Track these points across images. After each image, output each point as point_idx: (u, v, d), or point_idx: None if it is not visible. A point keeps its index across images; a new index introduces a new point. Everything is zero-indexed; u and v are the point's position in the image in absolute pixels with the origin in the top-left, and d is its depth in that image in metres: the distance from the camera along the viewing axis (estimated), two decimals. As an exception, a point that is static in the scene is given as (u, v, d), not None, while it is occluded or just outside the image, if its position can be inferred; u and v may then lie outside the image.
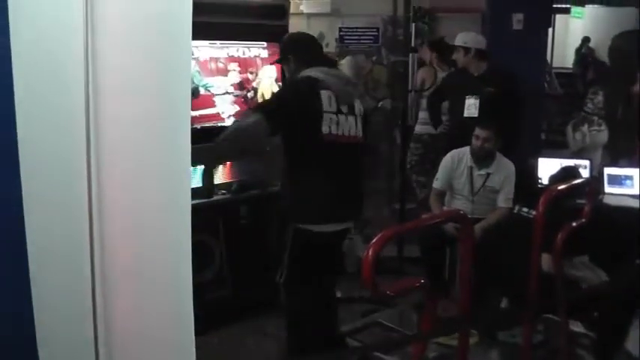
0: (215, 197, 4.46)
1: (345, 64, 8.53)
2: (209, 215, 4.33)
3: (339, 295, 4.81)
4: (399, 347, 3.72)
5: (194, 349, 2.00)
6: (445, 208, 4.70)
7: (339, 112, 3.33)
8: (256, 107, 3.37)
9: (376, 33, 8.22)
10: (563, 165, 4.65)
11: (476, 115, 4.98)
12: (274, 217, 3.69)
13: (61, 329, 1.95)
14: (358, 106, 3.49)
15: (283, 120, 3.21)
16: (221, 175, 4.69)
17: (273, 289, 4.64)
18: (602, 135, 5.72)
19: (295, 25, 5.31)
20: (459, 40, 5.28)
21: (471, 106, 5.01)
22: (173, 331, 2.01)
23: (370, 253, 2.20)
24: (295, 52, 3.54)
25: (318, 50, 3.67)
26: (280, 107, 3.30)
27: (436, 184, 4.76)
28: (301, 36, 3.90)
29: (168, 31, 1.84)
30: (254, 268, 4.61)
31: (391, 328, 4.22)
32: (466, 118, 5.01)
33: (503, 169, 4.61)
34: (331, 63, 3.66)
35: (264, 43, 4.85)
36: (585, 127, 5.95)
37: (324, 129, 3.27)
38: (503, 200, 4.55)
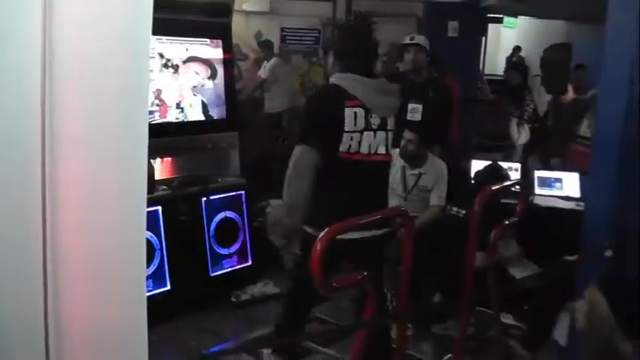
0: (156, 193, 4.46)
1: (268, 66, 8.64)
2: (149, 211, 4.32)
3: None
4: (338, 339, 3.83)
5: (147, 347, 1.99)
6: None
7: (366, 129, 3.13)
8: (299, 137, 3.12)
9: (317, 34, 8.36)
10: (489, 163, 4.83)
11: (419, 119, 5.07)
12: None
13: (11, 329, 1.90)
14: (392, 121, 3.27)
15: (317, 134, 3.07)
16: (162, 171, 4.68)
17: (210, 285, 4.72)
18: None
19: (234, 23, 5.31)
20: (422, 41, 5.23)
21: (415, 111, 5.10)
22: (126, 328, 1.98)
23: (318, 247, 2.28)
24: (338, 47, 3.24)
25: (363, 53, 3.20)
26: (310, 123, 3.15)
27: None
28: (351, 30, 3.36)
29: (127, 27, 1.84)
30: (193, 265, 4.64)
31: (329, 321, 4.30)
32: (407, 120, 5.09)
33: (435, 170, 4.75)
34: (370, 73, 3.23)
35: (207, 40, 4.88)
36: (527, 127, 6.34)
37: (343, 147, 3.09)
38: (436, 199, 4.69)
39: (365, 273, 2.57)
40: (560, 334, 3.48)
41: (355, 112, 3.08)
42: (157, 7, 1.88)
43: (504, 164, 4.93)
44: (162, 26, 4.35)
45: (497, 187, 3.43)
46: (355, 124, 3.08)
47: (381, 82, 3.23)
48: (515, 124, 6.55)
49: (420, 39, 5.25)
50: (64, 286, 1.86)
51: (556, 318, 3.57)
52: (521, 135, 6.74)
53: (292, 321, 3.55)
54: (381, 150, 3.19)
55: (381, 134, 3.18)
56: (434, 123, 5.01)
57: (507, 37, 12.78)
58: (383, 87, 3.22)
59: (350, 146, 3.08)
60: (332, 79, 3.19)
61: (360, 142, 3.10)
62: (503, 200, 4.06)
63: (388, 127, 3.22)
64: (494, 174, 4.34)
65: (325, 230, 2.38)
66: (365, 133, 3.11)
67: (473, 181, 4.81)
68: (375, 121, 3.14)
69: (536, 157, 5.95)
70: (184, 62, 4.73)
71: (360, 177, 3.14)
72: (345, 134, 3.06)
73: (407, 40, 5.25)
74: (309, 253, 2.32)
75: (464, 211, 4.17)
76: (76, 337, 1.91)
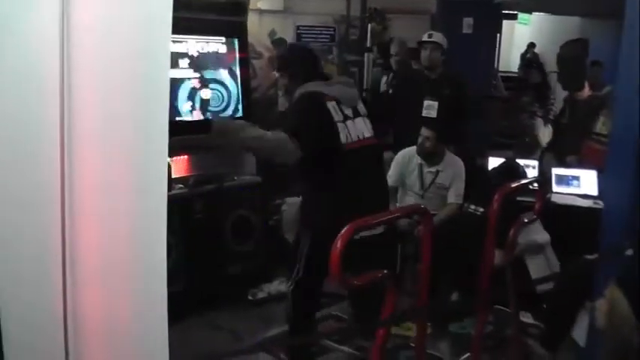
0: (172, 192, 4.46)
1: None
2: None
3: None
4: (354, 336, 3.84)
5: (167, 347, 1.99)
6: (397, 204, 4.81)
7: (345, 119, 3.34)
8: (286, 128, 3.23)
9: (332, 32, 8.36)
10: (504, 160, 4.82)
11: (434, 116, 5.07)
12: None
13: (31, 330, 1.91)
14: (361, 107, 3.49)
15: (309, 136, 3.20)
16: (178, 169, 4.69)
17: (226, 283, 4.73)
18: None
19: (248, 21, 5.31)
20: (439, 38, 5.27)
21: (431, 108, 5.10)
22: (147, 329, 1.98)
23: (339, 245, 2.27)
24: (292, 68, 3.53)
25: (313, 66, 3.58)
26: (302, 124, 3.27)
27: (388, 180, 4.85)
28: (299, 52, 3.90)
29: (146, 29, 1.83)
30: (207, 263, 4.65)
31: (345, 319, 4.30)
32: (423, 118, 5.09)
33: (453, 167, 4.74)
34: (326, 77, 3.54)
35: (223, 39, 4.88)
36: (549, 127, 6.38)
37: (342, 138, 3.28)
38: (454, 196, 4.69)
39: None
40: (580, 333, 3.46)
41: (333, 106, 3.32)
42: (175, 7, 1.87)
43: (521, 161, 4.91)
44: (176, 24, 4.34)
45: (515, 184, 3.42)
46: (337, 115, 3.30)
47: (338, 79, 3.59)
48: (540, 123, 6.60)
49: (438, 36, 5.26)
50: (84, 287, 1.85)
51: (575, 317, 3.55)
52: (545, 134, 6.77)
53: (299, 323, 3.57)
54: (367, 134, 3.41)
55: (359, 120, 3.40)
56: (450, 120, 5.00)
57: (521, 33, 12.70)
58: (343, 81, 3.57)
59: (346, 136, 3.29)
60: (302, 90, 3.37)
61: (349, 131, 3.32)
62: (520, 198, 4.04)
63: (362, 113, 3.44)
64: (511, 171, 4.32)
65: (345, 228, 2.37)
66: (347, 121, 3.34)
67: (490, 178, 4.79)
68: (347, 111, 3.36)
69: (551, 155, 5.93)
70: (200, 60, 4.73)
71: (363, 164, 3.33)
72: (338, 125, 3.28)
73: (425, 38, 5.26)
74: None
75: (481, 209, 4.15)
76: (96, 338, 1.90)
